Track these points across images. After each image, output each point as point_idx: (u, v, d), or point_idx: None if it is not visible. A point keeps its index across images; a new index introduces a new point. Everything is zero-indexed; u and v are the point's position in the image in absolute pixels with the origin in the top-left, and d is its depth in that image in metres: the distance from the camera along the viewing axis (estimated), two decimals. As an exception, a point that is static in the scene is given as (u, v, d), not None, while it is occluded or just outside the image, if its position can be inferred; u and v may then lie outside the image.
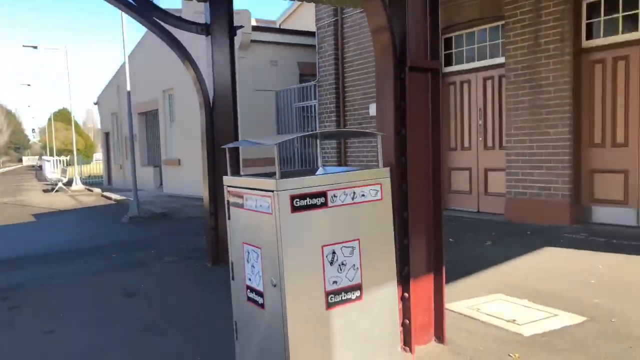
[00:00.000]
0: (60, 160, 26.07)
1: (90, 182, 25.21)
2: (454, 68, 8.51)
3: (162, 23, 5.59)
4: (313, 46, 11.88)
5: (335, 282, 2.45)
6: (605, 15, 6.64)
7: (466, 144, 8.48)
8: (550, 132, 7.02)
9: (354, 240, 2.53)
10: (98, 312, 4.40)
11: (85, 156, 47.63)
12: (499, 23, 7.78)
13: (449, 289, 3.32)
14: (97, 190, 19.33)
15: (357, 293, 2.52)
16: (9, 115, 75.89)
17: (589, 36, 6.82)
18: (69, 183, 21.52)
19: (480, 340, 3.26)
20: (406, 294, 3.03)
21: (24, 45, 26.97)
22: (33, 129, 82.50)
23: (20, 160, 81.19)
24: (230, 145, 3.04)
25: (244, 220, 2.66)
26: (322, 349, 2.43)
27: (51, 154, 37.83)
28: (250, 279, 2.62)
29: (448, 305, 3.46)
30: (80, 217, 11.98)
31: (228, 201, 2.80)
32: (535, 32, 7.13)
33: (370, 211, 2.59)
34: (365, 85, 10.06)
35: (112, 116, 21.93)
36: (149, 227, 9.44)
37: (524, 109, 7.31)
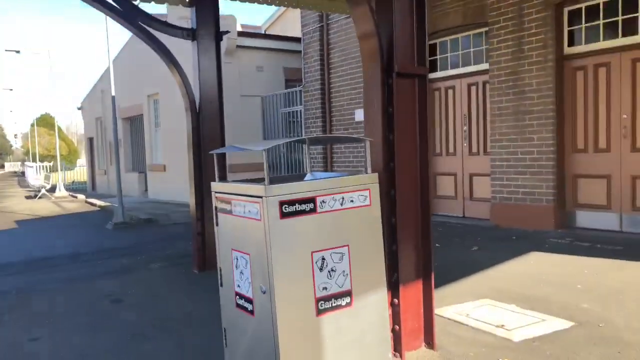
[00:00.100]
0: (43, 166, 25.70)
1: (74, 188, 24.86)
2: (438, 74, 8.59)
3: (148, 28, 5.56)
4: (299, 52, 11.90)
5: (325, 288, 2.44)
6: (586, 22, 6.76)
7: (451, 150, 8.55)
8: (534, 137, 7.11)
9: (343, 246, 2.53)
10: (85, 319, 4.33)
11: (69, 162, 47.02)
12: (483, 29, 7.88)
13: (437, 295, 3.32)
14: (81, 196, 19.07)
15: (347, 299, 2.51)
16: (-10, 121, 74.51)
17: (571, 43, 6.94)
18: (52, 189, 21.21)
19: (470, 345, 3.27)
20: (396, 300, 3.03)
21: (6, 50, 26.59)
22: (15, 135, 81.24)
23: (2, 167, 79.79)
24: (218, 151, 3.02)
25: (233, 227, 2.64)
26: (312, 356, 2.41)
27: (34, 160, 37.27)
28: (239, 286, 2.60)
29: (437, 311, 3.47)
30: (64, 224, 11.80)
31: (216, 207, 2.78)
32: (519, 39, 7.23)
33: (359, 217, 2.60)
34: (351, 91, 10.10)
35: (96, 121, 21.69)
36: (135, 233, 9.33)
37: (508, 115, 7.39)
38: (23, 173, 41.49)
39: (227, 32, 6.69)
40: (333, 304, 2.47)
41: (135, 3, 5.69)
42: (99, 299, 4.95)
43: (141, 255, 7.04)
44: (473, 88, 8.17)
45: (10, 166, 75.98)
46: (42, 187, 20.92)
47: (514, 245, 6.18)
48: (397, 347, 3.02)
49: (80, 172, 30.82)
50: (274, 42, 13.39)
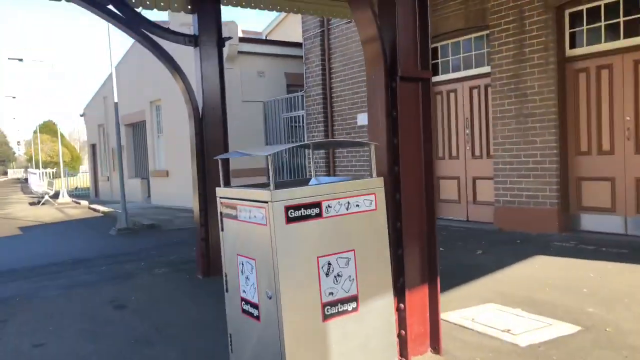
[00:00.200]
0: (46, 173, 25.76)
1: (77, 194, 24.90)
2: (440, 77, 8.59)
3: (150, 35, 5.58)
4: (300, 57, 11.92)
5: (331, 293, 2.44)
6: (587, 24, 6.76)
7: (454, 153, 8.54)
8: (537, 140, 7.10)
9: (349, 251, 2.52)
10: (88, 325, 4.32)
11: (72, 168, 47.10)
12: (484, 33, 7.88)
13: (442, 299, 3.31)
14: (84, 202, 19.10)
15: (354, 304, 2.51)
16: (-7, 128, 74.77)
17: (573, 45, 6.94)
18: (55, 196, 21.25)
19: (477, 350, 3.25)
20: (402, 305, 3.01)
21: (9, 58, 26.72)
22: (18, 142, 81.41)
23: (6, 173, 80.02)
24: (223, 156, 3.02)
25: (238, 232, 2.64)
26: (318, 362, 2.40)
27: (37, 167, 37.37)
28: (244, 291, 2.59)
29: (442, 315, 3.45)
30: (68, 230, 11.81)
31: (221, 212, 2.78)
32: (520, 42, 7.23)
33: (365, 221, 2.59)
34: (352, 95, 10.11)
35: (99, 128, 21.75)
36: (138, 239, 9.33)
37: (511, 118, 7.39)
38: (26, 180, 41.62)
39: (230, 38, 6.72)
40: (339, 309, 2.46)
41: (138, 10, 5.70)
42: (103, 304, 4.94)
43: (145, 260, 7.04)
44: (475, 91, 8.17)
45: (13, 173, 76.22)
46: (45, 194, 20.96)
47: (518, 249, 6.16)
48: (403, 352, 3.01)
49: (83, 178, 30.88)
50: (275, 47, 13.43)
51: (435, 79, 8.59)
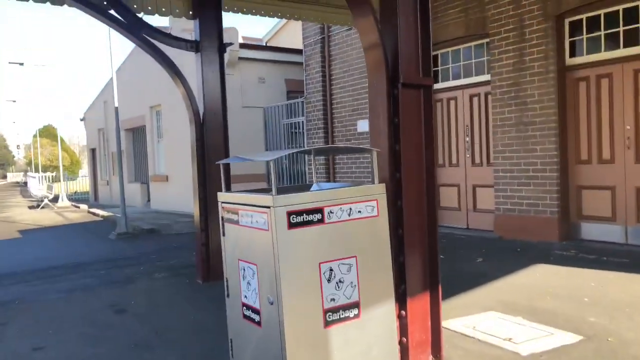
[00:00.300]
0: (45, 177, 25.74)
1: (76, 198, 24.87)
2: (440, 85, 8.62)
3: (152, 40, 5.59)
4: (300, 63, 11.95)
5: (333, 299, 2.43)
6: (587, 33, 6.79)
7: (454, 161, 8.55)
8: (537, 148, 7.11)
9: (351, 257, 2.52)
10: (88, 329, 4.31)
11: (71, 172, 47.09)
12: (484, 41, 7.92)
13: (443, 307, 3.30)
14: (84, 206, 19.07)
15: (355, 311, 2.50)
16: (-7, 132, 74.85)
17: (573, 54, 6.97)
18: (55, 199, 21.22)
19: (478, 358, 3.24)
20: (403, 312, 3.01)
21: (9, 62, 26.79)
22: (18, 145, 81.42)
23: (5, 177, 79.95)
24: (224, 161, 3.02)
25: (239, 237, 2.64)
26: (319, 368, 2.39)
27: (36, 170, 37.34)
28: (246, 296, 2.59)
29: (443, 323, 3.43)
30: (67, 234, 11.78)
31: (223, 217, 2.77)
32: (520, 50, 7.26)
33: (366, 228, 2.59)
34: (352, 102, 10.13)
35: (99, 132, 21.76)
36: (138, 243, 9.32)
37: (511, 126, 7.40)
38: (25, 183, 41.54)
39: (231, 44, 6.74)
40: (341, 316, 2.45)
41: (139, 15, 5.72)
42: (103, 308, 4.93)
43: (144, 265, 7.02)
44: (475, 99, 8.19)
45: (12, 176, 76.14)
46: (44, 198, 20.94)
47: (518, 257, 6.15)
48: (404, 360, 2.99)
49: (82, 182, 30.87)
50: (275, 53, 13.47)
51: (435, 86, 8.60)
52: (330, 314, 2.42)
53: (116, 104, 11.47)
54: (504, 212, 7.56)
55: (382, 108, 3.13)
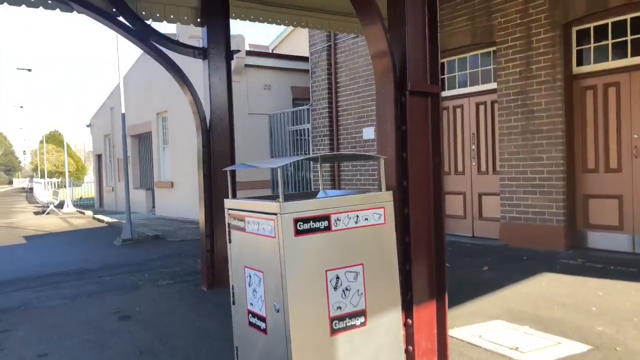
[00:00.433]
0: (51, 183, 25.85)
1: (81, 204, 24.96)
2: (446, 93, 8.61)
3: (159, 46, 5.63)
4: (306, 71, 11.99)
5: (339, 307, 2.42)
6: (594, 42, 6.78)
7: (460, 169, 8.53)
8: (544, 157, 7.08)
9: (357, 264, 2.51)
10: (92, 336, 4.30)
11: (77, 178, 47.31)
12: (491, 49, 7.92)
13: (449, 315, 3.28)
14: (89, 212, 19.13)
15: (362, 319, 2.48)
16: (0, 137, 75.48)
17: (580, 63, 6.95)
18: (60, 205, 21.31)
19: (483, 366, 3.21)
20: (409, 320, 2.98)
21: (18, 68, 27.02)
22: (24, 151, 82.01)
23: (11, 182, 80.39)
24: (231, 168, 3.02)
25: (246, 244, 2.63)
26: (325, 377, 2.37)
27: (42, 176, 37.53)
28: (252, 304, 2.57)
29: (450, 332, 3.41)
30: (72, 240, 11.81)
31: (229, 224, 2.77)
32: (527, 58, 7.25)
33: (373, 235, 2.58)
34: (358, 110, 10.14)
35: (105, 138, 21.87)
36: (142, 249, 9.32)
37: (517, 134, 7.38)
38: (31, 189, 41.77)
39: (238, 51, 6.78)
40: (347, 324, 2.44)
41: (147, 22, 5.76)
42: (107, 315, 4.92)
43: (149, 271, 7.02)
44: (481, 107, 8.18)
45: (18, 182, 76.56)
46: (50, 203, 21.03)
47: (524, 266, 6.11)
48: (411, 369, 2.97)
49: (87, 188, 30.98)
50: (281, 61, 13.52)
51: (442, 94, 8.59)
52: (337, 321, 2.40)
53: (123, 111, 11.53)
54: (509, 221, 7.52)
55: (389, 115, 3.13)
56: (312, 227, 2.39)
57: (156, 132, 16.29)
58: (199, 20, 6.03)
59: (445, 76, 8.68)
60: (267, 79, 13.05)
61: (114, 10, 5.32)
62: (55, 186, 24.87)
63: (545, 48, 7.04)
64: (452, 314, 3.99)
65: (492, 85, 7.90)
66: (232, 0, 6.17)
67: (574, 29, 6.94)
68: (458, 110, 8.53)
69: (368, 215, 2.56)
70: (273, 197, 2.58)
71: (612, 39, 6.59)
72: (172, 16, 5.95)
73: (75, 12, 5.31)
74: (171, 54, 5.80)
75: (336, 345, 2.39)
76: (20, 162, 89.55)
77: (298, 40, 15.93)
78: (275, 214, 2.33)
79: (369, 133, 9.91)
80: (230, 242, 2.77)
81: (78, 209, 21.20)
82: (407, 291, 3.01)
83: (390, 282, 2.63)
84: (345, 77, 10.45)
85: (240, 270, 2.68)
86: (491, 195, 7.98)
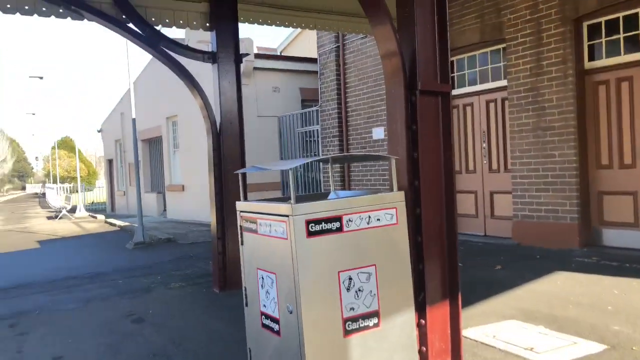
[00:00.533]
0: (63, 188, 26.12)
1: (93, 208, 25.20)
2: (456, 91, 8.57)
3: (169, 52, 5.66)
4: (315, 72, 12.00)
5: (352, 308, 2.41)
6: (606, 36, 6.71)
7: (471, 167, 8.47)
8: (556, 154, 7.02)
9: (370, 265, 2.50)
10: (107, 338, 4.33)
11: (88, 183, 47.76)
12: (500, 46, 7.86)
13: (463, 315, 3.25)
14: (101, 216, 19.30)
15: (375, 320, 2.47)
16: (13, 144, 76.49)
17: (591, 58, 6.88)
18: (72, 210, 21.52)
19: (498, 367, 3.18)
20: (422, 321, 2.97)
21: (30, 76, 27.36)
22: (36, 157, 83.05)
23: (24, 188, 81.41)
24: (242, 170, 3.03)
25: (258, 246, 2.63)
26: (340, 378, 2.37)
27: (54, 182, 37.92)
28: (265, 305, 2.58)
29: (463, 332, 3.38)
30: (85, 244, 11.92)
31: (241, 226, 2.78)
32: (537, 55, 7.19)
33: (386, 236, 2.57)
34: (368, 110, 10.13)
35: (116, 143, 22.06)
36: (154, 252, 9.38)
37: (528, 131, 7.32)
38: (44, 194, 42.22)
39: (247, 54, 6.80)
40: (360, 325, 2.43)
41: (157, 28, 5.80)
42: (121, 318, 4.95)
43: (161, 274, 7.06)
44: (492, 105, 8.13)
45: (31, 188, 77.48)
46: (62, 208, 21.23)
47: (538, 264, 6.05)
48: (425, 369, 2.95)
49: (99, 193, 31.27)
50: (290, 63, 13.54)
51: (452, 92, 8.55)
52: (350, 323, 2.40)
53: (134, 116, 11.62)
54: (522, 219, 7.46)
55: (399, 115, 3.12)
56: (324, 228, 2.39)
57: (166, 136, 16.40)
58: (208, 24, 6.05)
59: (455, 74, 8.63)
60: (276, 81, 13.08)
61: (123, 17, 5.36)
62: (67, 191, 25.14)
63: (556, 44, 6.97)
64: (465, 314, 3.95)
65: (502, 83, 7.84)
66: (240, 4, 6.19)
67: (585, 24, 6.87)
68: (468, 109, 8.48)
69: (380, 216, 2.56)
70: (284, 199, 2.58)
71: (624, 33, 6.52)
72: (181, 21, 5.98)
73: (86, 20, 5.36)
74: (180, 59, 5.82)
75: (350, 347, 2.38)
76: (32, 168, 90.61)
77: (306, 42, 15.96)
78: (287, 215, 2.33)
79: (378, 133, 9.89)
80: (242, 244, 2.78)
81: (90, 214, 21.40)
82: (420, 291, 2.99)
83: (403, 283, 2.61)
84: (354, 77, 10.44)
85: (252, 272, 2.68)
86: (503, 194, 7.92)
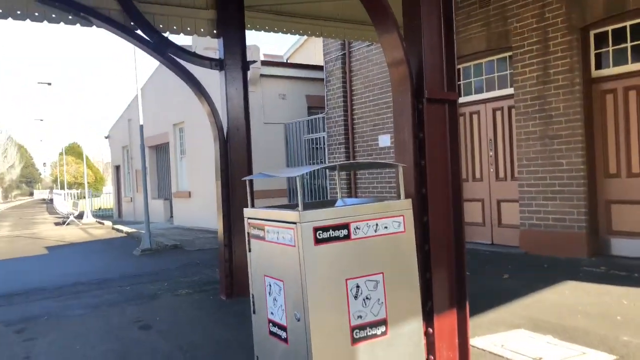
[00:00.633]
0: (71, 194, 26.26)
1: (100, 215, 25.31)
2: (463, 99, 8.56)
3: (177, 59, 5.70)
4: (321, 79, 12.04)
5: (360, 316, 2.41)
6: (613, 45, 6.70)
7: (477, 175, 8.45)
8: (563, 162, 6.99)
9: (377, 273, 2.50)
10: (114, 345, 4.34)
11: (95, 189, 48.01)
12: (507, 54, 7.86)
13: (470, 324, 3.24)
14: (108, 223, 19.37)
15: (383, 328, 2.47)
16: (21, 150, 77.11)
17: (598, 66, 6.87)
18: (80, 216, 21.62)
19: (506, 376, 3.16)
20: (430, 329, 2.95)
21: (38, 82, 27.61)
22: (44, 163, 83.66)
23: (32, 194, 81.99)
24: (250, 177, 3.04)
25: (266, 253, 2.64)
26: (347, 387, 2.36)
27: (62, 188, 38.14)
28: (272, 313, 2.58)
29: (471, 341, 3.37)
30: (92, 250, 11.96)
31: (249, 233, 2.78)
32: (544, 63, 7.19)
33: (393, 244, 2.57)
34: (374, 117, 10.14)
35: (123, 149, 22.19)
36: (161, 259, 9.40)
37: (535, 140, 7.30)
38: (51, 200, 42.48)
39: (254, 61, 6.84)
40: (368, 333, 2.43)
41: (165, 35, 5.85)
42: (128, 324, 4.96)
43: (168, 281, 7.07)
44: (498, 113, 8.12)
45: (39, 194, 78.00)
46: (70, 214, 21.36)
47: (546, 274, 6.01)
48: (432, 378, 2.93)
49: (106, 199, 31.42)
50: (296, 70, 13.61)
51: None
52: (357, 331, 2.39)
53: (141, 122, 11.70)
54: (529, 228, 7.42)
55: (406, 123, 3.13)
56: (331, 235, 2.39)
57: (173, 142, 16.48)
58: (215, 32, 6.10)
59: (461, 82, 8.63)
60: (282, 89, 13.14)
61: (132, 24, 5.41)
62: (74, 197, 25.29)
63: (562, 52, 6.97)
64: (473, 323, 3.93)
65: (509, 91, 7.83)
66: (247, 11, 6.24)
67: (592, 32, 6.87)
68: (475, 117, 8.47)
69: (387, 224, 2.56)
70: (292, 206, 2.59)
71: (631, 41, 6.50)
72: (188, 28, 6.03)
73: (94, 27, 5.42)
74: (187, 65, 5.87)
75: (357, 355, 2.37)
76: (40, 174, 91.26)
77: (312, 49, 16.03)
78: (295, 222, 2.34)
79: (384, 140, 9.90)
80: (250, 250, 2.78)
81: (97, 220, 21.49)
82: (428, 300, 2.98)
83: (411, 291, 2.61)
84: (360, 84, 10.47)
85: (260, 279, 2.68)
86: (510, 202, 7.89)
